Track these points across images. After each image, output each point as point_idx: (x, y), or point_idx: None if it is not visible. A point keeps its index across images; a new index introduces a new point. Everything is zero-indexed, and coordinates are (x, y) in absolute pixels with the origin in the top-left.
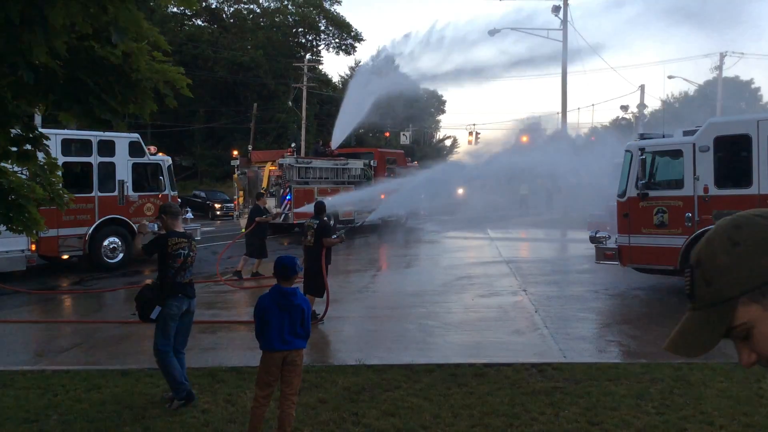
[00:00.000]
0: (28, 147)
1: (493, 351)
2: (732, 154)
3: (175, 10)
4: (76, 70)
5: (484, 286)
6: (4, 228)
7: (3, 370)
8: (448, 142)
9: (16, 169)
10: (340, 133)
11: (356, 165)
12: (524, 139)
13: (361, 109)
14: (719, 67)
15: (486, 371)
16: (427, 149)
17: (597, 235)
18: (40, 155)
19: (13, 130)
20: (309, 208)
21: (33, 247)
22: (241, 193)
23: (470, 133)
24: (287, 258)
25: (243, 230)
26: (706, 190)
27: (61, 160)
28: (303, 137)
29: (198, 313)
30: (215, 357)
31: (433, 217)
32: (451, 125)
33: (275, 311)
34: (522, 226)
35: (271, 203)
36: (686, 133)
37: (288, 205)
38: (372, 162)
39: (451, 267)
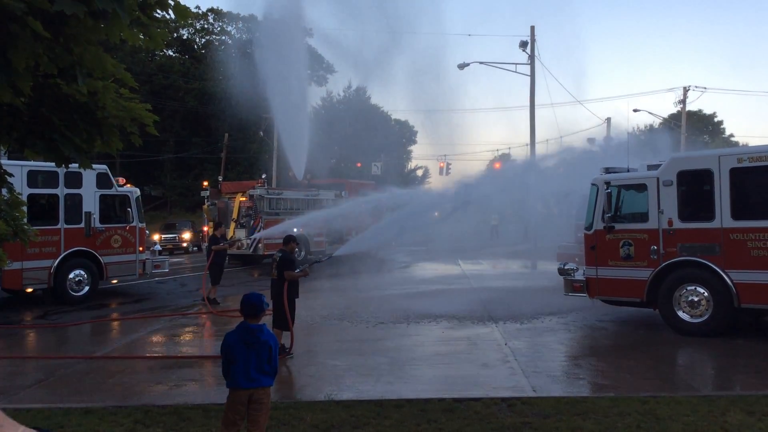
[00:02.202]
0: None
1: (463, 385)
2: (695, 189)
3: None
4: (41, 107)
5: (453, 318)
6: None
7: None
8: (419, 173)
9: None
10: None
11: (327, 196)
12: (497, 165)
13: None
14: (683, 101)
15: (455, 406)
16: (398, 179)
17: (565, 267)
18: (4, 191)
19: None
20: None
21: None
22: (211, 223)
23: (441, 164)
24: (253, 295)
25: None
26: (670, 223)
27: (27, 191)
28: (274, 168)
29: (165, 348)
30: (181, 394)
31: (404, 248)
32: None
33: (241, 349)
34: (493, 256)
35: (241, 234)
36: (650, 167)
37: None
38: (343, 193)
39: (420, 297)
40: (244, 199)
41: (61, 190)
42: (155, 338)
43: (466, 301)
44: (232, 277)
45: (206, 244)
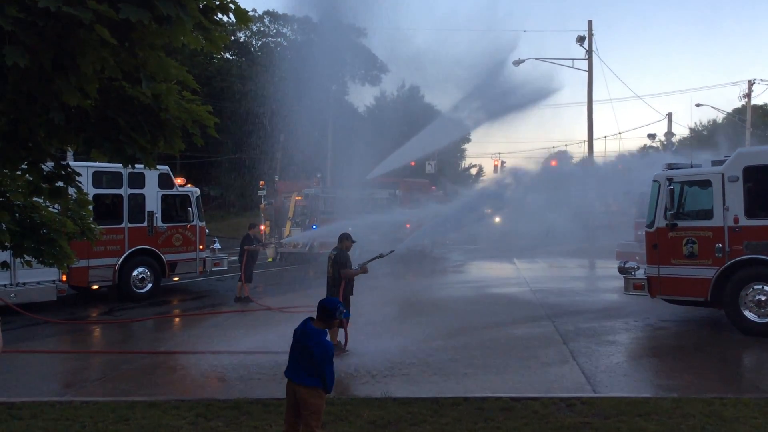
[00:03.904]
0: (60, 183)
1: (521, 384)
2: (762, 184)
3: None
4: (107, 109)
5: (510, 317)
6: (36, 260)
7: (31, 401)
8: (473, 171)
9: (47, 204)
10: (380, 169)
11: (382, 195)
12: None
13: (411, 155)
14: (748, 95)
15: (513, 405)
16: (452, 178)
17: (626, 266)
18: (72, 190)
19: (45, 167)
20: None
21: (64, 277)
22: (268, 222)
23: (495, 163)
24: (328, 300)
25: (270, 259)
26: (736, 220)
27: (92, 192)
28: (329, 167)
29: (225, 343)
30: (241, 389)
31: (458, 246)
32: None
33: (295, 341)
34: (548, 255)
35: (297, 233)
36: (715, 163)
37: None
38: (397, 192)
39: (476, 297)
40: (299, 198)
41: (125, 190)
42: (215, 334)
43: (524, 301)
44: (289, 275)
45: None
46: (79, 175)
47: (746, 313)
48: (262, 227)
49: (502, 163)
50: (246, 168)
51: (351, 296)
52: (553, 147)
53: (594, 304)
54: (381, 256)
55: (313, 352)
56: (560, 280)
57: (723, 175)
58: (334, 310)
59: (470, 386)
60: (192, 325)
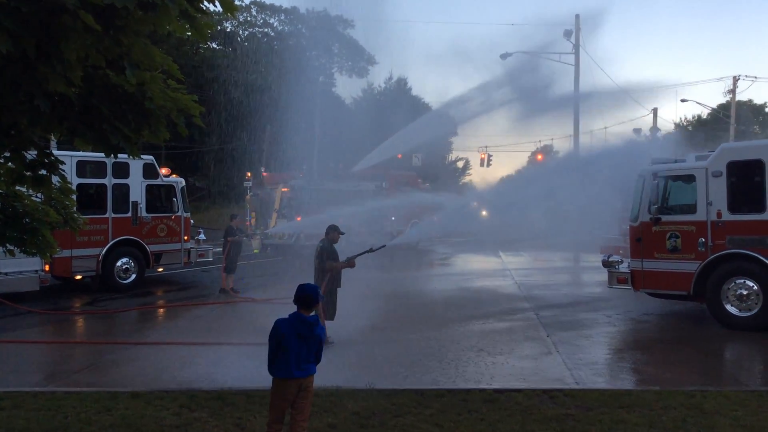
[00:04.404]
0: (43, 172)
1: (504, 376)
2: (745, 180)
3: (189, 34)
4: (91, 97)
5: (495, 309)
6: (18, 249)
7: (14, 391)
8: (460, 164)
9: (30, 192)
10: (368, 161)
11: (368, 187)
12: (539, 157)
13: (397, 148)
14: (732, 91)
15: (497, 397)
16: (439, 171)
17: (610, 260)
18: (55, 179)
19: (28, 155)
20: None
21: (47, 267)
22: (254, 214)
23: (482, 156)
24: (308, 286)
25: (255, 251)
26: (719, 215)
27: (76, 181)
28: (315, 159)
29: (209, 334)
30: (225, 379)
31: (444, 240)
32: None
33: (293, 339)
34: (532, 249)
35: (283, 224)
36: (699, 158)
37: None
38: (384, 184)
39: (461, 289)
40: (285, 189)
41: (109, 180)
42: (199, 325)
43: (508, 294)
44: (275, 267)
45: (248, 234)
46: (62, 163)
47: (728, 306)
48: (248, 219)
49: (489, 156)
50: (232, 159)
51: (339, 288)
52: (539, 141)
53: (578, 297)
54: (371, 250)
55: (321, 339)
56: (544, 273)
57: (707, 170)
58: (316, 293)
59: (454, 377)
60: (176, 316)
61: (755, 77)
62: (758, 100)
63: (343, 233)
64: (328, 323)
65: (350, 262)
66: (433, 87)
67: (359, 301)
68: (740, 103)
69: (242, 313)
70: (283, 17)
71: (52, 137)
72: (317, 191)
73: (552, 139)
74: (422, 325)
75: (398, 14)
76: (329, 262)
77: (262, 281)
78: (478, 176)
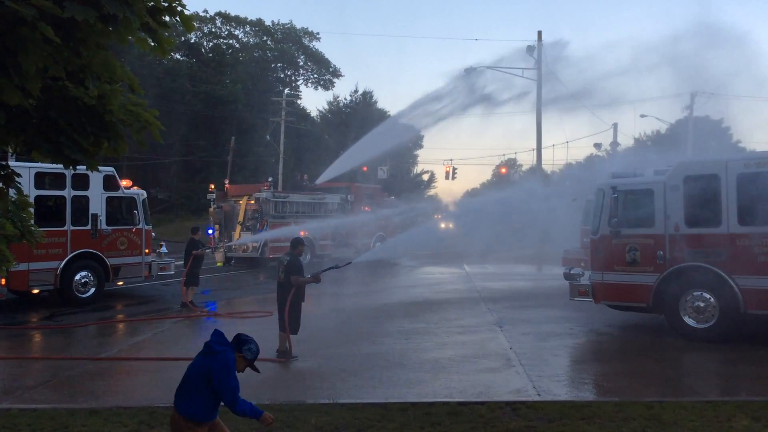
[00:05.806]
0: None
1: (467, 389)
2: (702, 194)
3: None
4: (50, 109)
5: (458, 321)
6: None
7: None
8: (425, 177)
9: None
10: (331, 172)
11: (333, 199)
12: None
13: (360, 157)
14: (690, 107)
15: (460, 410)
16: (404, 184)
17: (571, 272)
18: (12, 192)
19: None
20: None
21: (2, 281)
22: (217, 227)
23: (447, 169)
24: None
25: (219, 264)
26: (677, 228)
27: (34, 193)
28: (281, 171)
29: (170, 349)
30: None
31: (410, 252)
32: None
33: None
34: (498, 261)
35: (246, 237)
36: (657, 173)
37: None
38: (349, 196)
39: (425, 302)
40: (251, 202)
41: (68, 192)
42: (160, 340)
43: (471, 306)
44: (239, 280)
45: (212, 247)
46: (19, 176)
47: (686, 318)
48: (210, 232)
49: (454, 169)
50: (195, 171)
51: (302, 303)
52: (503, 154)
53: (539, 309)
54: (336, 267)
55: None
56: (507, 285)
57: (665, 184)
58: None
59: (418, 391)
60: (136, 331)
61: (711, 93)
62: (715, 116)
63: (306, 245)
64: (291, 337)
65: (316, 277)
66: (401, 100)
67: (322, 315)
68: (698, 119)
69: (202, 328)
70: (248, 29)
71: (9, 149)
72: (282, 204)
73: (516, 153)
74: (387, 337)
75: (363, 28)
76: (294, 276)
77: (225, 294)
78: (443, 189)
